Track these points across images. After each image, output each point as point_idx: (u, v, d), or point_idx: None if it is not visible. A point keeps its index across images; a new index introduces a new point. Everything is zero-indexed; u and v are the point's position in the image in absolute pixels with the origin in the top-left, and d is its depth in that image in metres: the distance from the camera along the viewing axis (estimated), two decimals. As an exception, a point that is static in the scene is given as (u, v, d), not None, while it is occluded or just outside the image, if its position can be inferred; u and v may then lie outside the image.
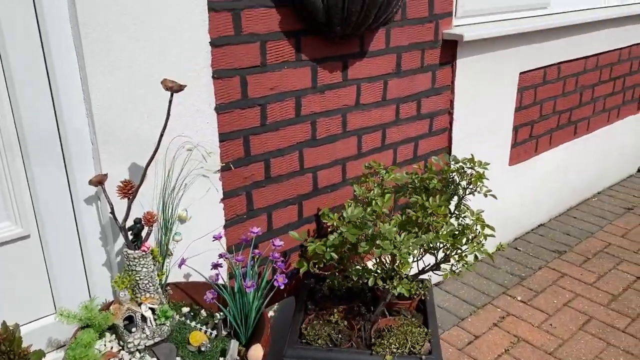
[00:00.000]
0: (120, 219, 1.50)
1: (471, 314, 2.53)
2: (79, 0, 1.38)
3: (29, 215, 1.52)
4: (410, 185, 1.80)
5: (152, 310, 1.54)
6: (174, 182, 1.69)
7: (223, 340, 1.58)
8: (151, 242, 1.67)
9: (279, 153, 1.96)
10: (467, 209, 1.75)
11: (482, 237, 1.65)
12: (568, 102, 3.21)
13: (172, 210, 1.69)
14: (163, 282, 1.66)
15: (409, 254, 1.54)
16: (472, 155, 1.79)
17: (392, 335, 1.70)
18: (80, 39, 1.41)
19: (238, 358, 1.50)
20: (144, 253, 1.51)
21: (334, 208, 2.20)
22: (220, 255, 1.68)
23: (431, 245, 1.64)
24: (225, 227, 1.88)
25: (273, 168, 1.96)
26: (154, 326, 1.53)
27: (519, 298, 2.65)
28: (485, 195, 1.72)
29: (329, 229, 1.76)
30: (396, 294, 1.66)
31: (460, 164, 1.75)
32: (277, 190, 2.00)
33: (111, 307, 1.51)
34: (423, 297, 1.95)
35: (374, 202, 1.73)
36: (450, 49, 2.41)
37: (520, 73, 2.80)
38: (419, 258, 1.74)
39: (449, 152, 2.61)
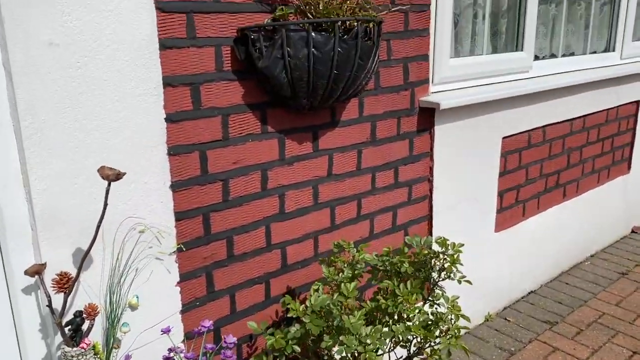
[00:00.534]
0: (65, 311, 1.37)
1: (456, 396, 2.35)
2: (18, 85, 1.29)
3: (-42, 307, 1.39)
4: (380, 268, 1.68)
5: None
6: (124, 267, 1.57)
7: None
8: (97, 334, 1.53)
9: (243, 229, 1.85)
10: (442, 294, 1.62)
11: (456, 330, 1.51)
12: (555, 164, 3.12)
13: (121, 297, 1.56)
14: (108, 378, 1.51)
15: (377, 349, 1.40)
16: (443, 238, 1.67)
17: None
18: (20, 124, 1.32)
19: None
20: (82, 350, 1.37)
21: (304, 286, 2.06)
22: (170, 350, 1.54)
23: (401, 338, 1.51)
24: (182, 312, 1.74)
25: (237, 246, 1.84)
26: None
27: (508, 377, 2.48)
28: (459, 282, 1.60)
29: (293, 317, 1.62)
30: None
31: (433, 249, 1.63)
32: (241, 269, 1.87)
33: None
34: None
35: (342, 285, 1.60)
36: (428, 115, 2.34)
37: (503, 138, 2.72)
38: (389, 350, 1.60)
39: (430, 220, 2.49)
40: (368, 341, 1.39)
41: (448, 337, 1.46)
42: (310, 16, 1.68)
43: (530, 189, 3.01)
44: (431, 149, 2.40)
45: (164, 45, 1.54)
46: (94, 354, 1.41)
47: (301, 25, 1.63)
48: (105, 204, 1.32)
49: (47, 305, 1.37)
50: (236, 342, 1.64)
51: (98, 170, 1.25)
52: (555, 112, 2.96)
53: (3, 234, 1.39)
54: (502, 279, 2.98)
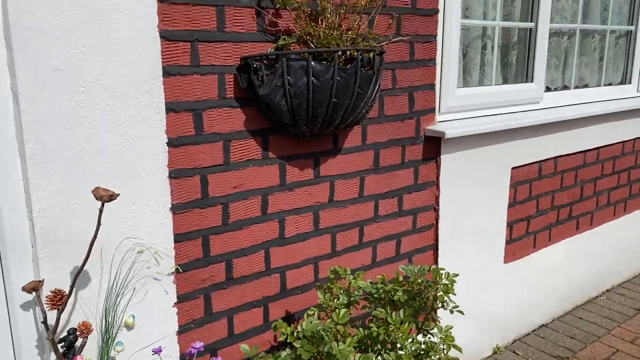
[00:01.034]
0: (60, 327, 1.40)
1: None
2: (25, 109, 1.36)
3: (-42, 321, 1.44)
4: (375, 295, 1.68)
5: None
6: (121, 286, 1.60)
7: None
8: (93, 352, 1.56)
9: (242, 253, 1.87)
10: (436, 324, 1.61)
11: (447, 361, 1.49)
12: (568, 196, 3.08)
13: (117, 316, 1.59)
14: (100, 396, 1.53)
15: (365, 378, 1.39)
16: (436, 266, 1.66)
17: None
18: (24, 144, 1.38)
19: None
20: (74, 367, 1.40)
21: (303, 311, 2.07)
22: (162, 370, 1.56)
23: (391, 367, 1.50)
24: (179, 333, 1.76)
25: (236, 269, 1.86)
26: None
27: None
28: (452, 312, 1.58)
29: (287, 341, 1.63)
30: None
31: (427, 278, 1.63)
32: (239, 292, 1.89)
33: None
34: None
35: (335, 312, 1.60)
36: (434, 144, 2.35)
37: (513, 168, 2.71)
38: (380, 379, 1.59)
39: (436, 250, 2.48)
40: (357, 369, 1.38)
41: (439, 368, 1.45)
42: (312, 46, 1.73)
43: (542, 220, 2.97)
44: (437, 178, 2.40)
45: (168, 72, 1.60)
46: (87, 372, 1.44)
47: (301, 54, 1.67)
48: (99, 224, 1.36)
49: (42, 322, 1.41)
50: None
51: (92, 191, 1.29)
52: (567, 143, 2.94)
53: (4, 250, 1.44)
54: (511, 311, 2.92)
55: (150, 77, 1.55)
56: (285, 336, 1.53)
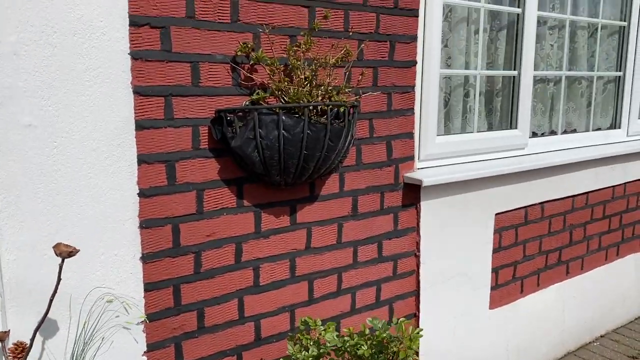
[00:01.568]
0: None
1: None
2: (-6, 159, 1.41)
3: None
4: (342, 349, 1.68)
5: None
6: (89, 336, 1.62)
7: None
8: (58, 400, 1.57)
9: (215, 301, 1.88)
10: (401, 379, 1.60)
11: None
12: (556, 241, 3.07)
13: (83, 365, 1.60)
14: None
15: None
16: (401, 321, 1.67)
17: None
18: (-7, 195, 1.42)
19: None
20: (35, 419, 1.41)
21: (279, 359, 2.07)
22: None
23: None
24: (148, 382, 1.77)
25: (208, 317, 1.87)
26: None
27: None
28: (415, 368, 1.58)
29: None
30: None
31: (390, 332, 1.63)
32: (212, 341, 1.90)
33: None
34: None
35: (303, 364, 1.60)
36: (414, 191, 2.37)
37: (497, 214, 2.71)
38: None
39: (418, 296, 2.47)
40: None
41: None
42: (282, 101, 1.77)
43: (529, 265, 2.95)
44: (418, 224, 2.41)
45: (141, 126, 1.65)
46: (48, 423, 1.45)
47: (273, 109, 1.72)
48: (59, 279, 1.39)
49: (5, 372, 1.43)
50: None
51: (53, 247, 1.33)
52: (554, 188, 2.94)
53: (-28, 300, 1.47)
54: (498, 358, 2.88)
55: (123, 130, 1.60)
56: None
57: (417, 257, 2.44)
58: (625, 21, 3.27)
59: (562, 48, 3.02)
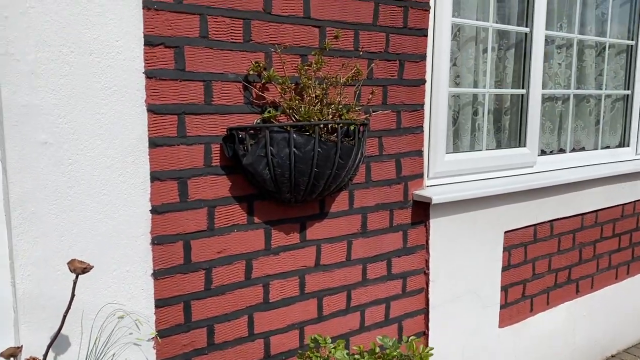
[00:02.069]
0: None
1: None
2: (12, 180, 1.43)
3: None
4: (352, 366, 1.68)
5: None
6: (100, 352, 1.63)
7: None
8: (68, 417, 1.57)
9: (225, 318, 1.89)
10: (411, 398, 1.60)
11: None
12: (566, 259, 3.05)
13: (94, 382, 1.61)
14: None
15: None
16: (409, 338, 1.66)
17: None
18: (10, 213, 1.44)
19: None
20: None
21: (287, 376, 2.06)
22: None
23: None
24: (157, 398, 1.77)
25: (218, 334, 1.88)
26: None
27: None
28: (426, 387, 1.57)
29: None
30: None
31: (400, 351, 1.63)
32: (221, 357, 1.89)
33: None
34: None
35: (312, 382, 1.60)
36: (423, 208, 2.37)
37: (506, 232, 2.71)
38: None
39: (427, 314, 2.46)
40: None
41: None
42: (293, 119, 1.80)
43: (539, 283, 2.93)
44: (427, 242, 2.41)
45: (154, 144, 1.67)
46: None
47: (284, 127, 1.74)
48: (73, 295, 1.40)
49: (18, 388, 1.43)
50: None
51: (68, 263, 1.34)
52: (564, 206, 2.94)
53: (-14, 315, 1.48)
54: (508, 378, 2.86)
55: (137, 148, 1.63)
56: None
57: (427, 274, 2.44)
58: (633, 40, 3.28)
59: (570, 67, 3.04)
